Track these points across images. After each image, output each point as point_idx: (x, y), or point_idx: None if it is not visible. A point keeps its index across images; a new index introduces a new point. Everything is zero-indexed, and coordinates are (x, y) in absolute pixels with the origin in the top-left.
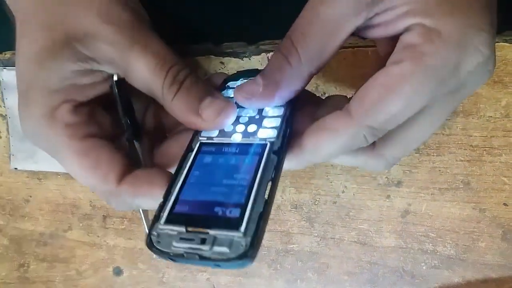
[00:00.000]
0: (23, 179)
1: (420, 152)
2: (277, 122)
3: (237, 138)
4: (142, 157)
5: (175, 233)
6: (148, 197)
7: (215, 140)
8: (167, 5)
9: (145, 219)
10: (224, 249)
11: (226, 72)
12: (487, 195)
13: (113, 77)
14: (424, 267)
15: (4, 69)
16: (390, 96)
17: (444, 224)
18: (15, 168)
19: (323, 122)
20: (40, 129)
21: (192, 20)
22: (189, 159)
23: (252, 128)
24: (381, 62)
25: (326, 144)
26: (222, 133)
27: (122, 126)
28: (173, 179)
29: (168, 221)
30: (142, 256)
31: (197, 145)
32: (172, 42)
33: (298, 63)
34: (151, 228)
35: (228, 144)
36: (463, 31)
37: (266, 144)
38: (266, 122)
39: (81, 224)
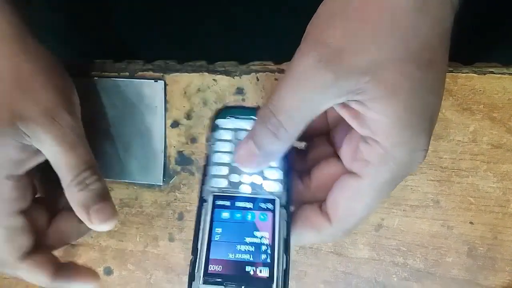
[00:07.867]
0: None
1: None
2: (278, 173)
3: (245, 189)
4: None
5: None
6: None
7: (226, 192)
8: (169, 25)
9: None
10: None
11: (218, 90)
12: (454, 214)
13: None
14: (395, 279)
15: None
16: (355, 206)
17: (414, 239)
18: None
19: (310, 216)
20: None
21: (189, 39)
22: (206, 213)
23: (257, 179)
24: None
25: (309, 237)
26: (231, 184)
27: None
28: (196, 234)
29: (206, 281)
30: (132, 258)
31: (211, 197)
32: (169, 58)
33: (285, 135)
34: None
35: (241, 198)
36: (412, 155)
37: (275, 200)
38: (268, 174)
39: None
